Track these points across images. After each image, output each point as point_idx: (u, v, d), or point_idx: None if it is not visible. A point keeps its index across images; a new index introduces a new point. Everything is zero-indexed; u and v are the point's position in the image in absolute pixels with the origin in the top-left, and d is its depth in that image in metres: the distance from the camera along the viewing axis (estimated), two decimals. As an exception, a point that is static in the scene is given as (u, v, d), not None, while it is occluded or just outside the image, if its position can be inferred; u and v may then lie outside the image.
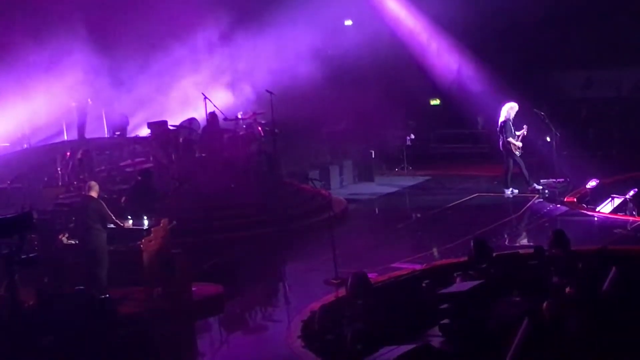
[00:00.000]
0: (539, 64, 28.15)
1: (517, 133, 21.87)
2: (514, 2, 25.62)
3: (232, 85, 24.86)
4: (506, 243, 17.82)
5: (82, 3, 23.50)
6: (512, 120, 21.91)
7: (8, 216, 12.31)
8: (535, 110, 22.65)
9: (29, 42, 22.48)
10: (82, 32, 23.41)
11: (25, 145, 23.83)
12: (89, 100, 23.15)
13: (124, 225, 15.71)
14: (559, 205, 20.70)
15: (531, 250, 14.23)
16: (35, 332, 10.49)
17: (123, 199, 17.87)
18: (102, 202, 15.71)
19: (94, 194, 15.56)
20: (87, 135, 23.71)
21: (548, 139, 23.05)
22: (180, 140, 21.64)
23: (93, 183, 15.91)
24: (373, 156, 26.52)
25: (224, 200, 20.35)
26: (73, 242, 15.81)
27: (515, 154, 21.93)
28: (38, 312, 11.57)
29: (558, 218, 19.65)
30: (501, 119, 21.97)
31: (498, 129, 22.07)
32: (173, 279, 15.54)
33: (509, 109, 22.00)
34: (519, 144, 21.85)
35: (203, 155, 21.32)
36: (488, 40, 26.71)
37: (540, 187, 21.97)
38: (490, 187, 23.35)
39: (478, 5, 25.98)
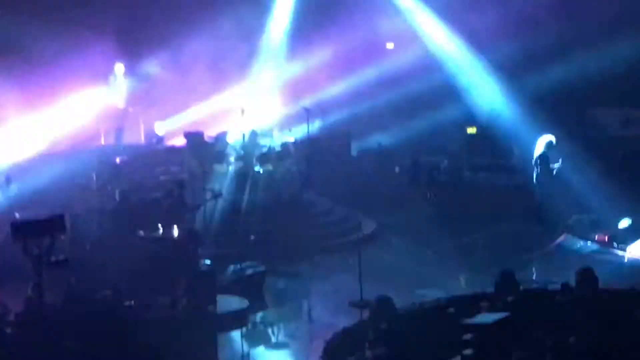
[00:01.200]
0: (577, 99, 28.02)
1: (554, 166, 21.78)
2: (555, 37, 25.57)
3: (270, 101, 24.93)
4: (534, 277, 17.72)
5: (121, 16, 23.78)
6: (548, 153, 21.83)
7: (40, 217, 12.43)
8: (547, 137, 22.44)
9: (70, 49, 22.70)
10: (123, 41, 23.66)
11: (62, 148, 24.03)
12: (129, 107, 23.30)
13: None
14: (589, 243, 20.54)
15: (558, 287, 14.14)
16: (60, 335, 10.56)
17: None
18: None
19: None
20: (124, 142, 23.85)
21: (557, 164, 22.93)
22: (214, 151, 21.78)
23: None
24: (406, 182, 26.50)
25: (255, 214, 20.39)
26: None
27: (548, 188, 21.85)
28: (64, 315, 11.64)
29: (587, 255, 19.50)
30: (538, 151, 21.88)
31: (534, 161, 21.97)
32: (199, 290, 15.60)
33: (545, 142, 21.92)
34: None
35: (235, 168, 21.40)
36: (526, 73, 26.65)
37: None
38: (522, 219, 23.21)
39: (518, 39, 25.95)
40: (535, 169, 21.93)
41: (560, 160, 21.98)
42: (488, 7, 26.18)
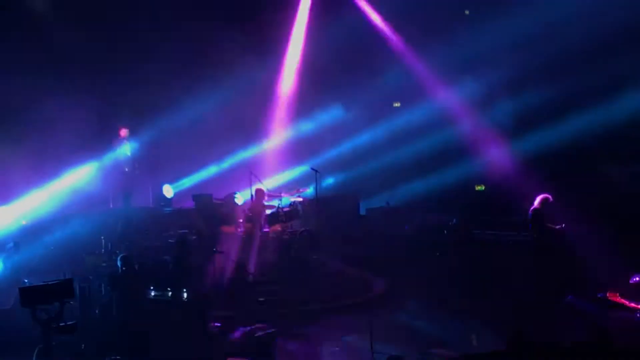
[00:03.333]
0: (587, 155, 28.09)
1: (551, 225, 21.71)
2: (565, 93, 25.69)
3: (279, 162, 25.00)
4: (545, 335, 17.57)
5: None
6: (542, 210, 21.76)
7: (49, 282, 12.39)
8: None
9: (78, 109, 22.85)
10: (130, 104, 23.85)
11: (70, 213, 24.07)
12: (136, 170, 23.36)
13: None
14: (600, 297, 20.37)
15: (569, 345, 14.03)
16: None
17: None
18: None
19: None
20: (132, 205, 23.89)
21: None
22: (222, 213, 21.80)
23: None
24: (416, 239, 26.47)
25: (263, 274, 20.36)
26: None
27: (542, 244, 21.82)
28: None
29: (599, 313, 19.33)
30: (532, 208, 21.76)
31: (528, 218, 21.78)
32: (209, 352, 15.53)
33: (541, 199, 21.81)
34: None
35: (243, 229, 21.39)
36: (535, 129, 26.75)
37: None
38: (532, 276, 23.09)
39: (528, 95, 26.10)
40: (530, 226, 21.73)
41: (562, 224, 21.86)
42: (499, 62, 26.39)
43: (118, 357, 15.09)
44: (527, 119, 26.52)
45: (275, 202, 22.11)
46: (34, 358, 13.04)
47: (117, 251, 19.96)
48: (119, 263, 15.89)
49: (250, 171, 21.16)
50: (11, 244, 18.51)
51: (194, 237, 21.29)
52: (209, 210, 22.25)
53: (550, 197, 21.80)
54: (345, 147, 25.36)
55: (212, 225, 21.67)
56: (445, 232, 26.10)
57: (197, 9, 24.75)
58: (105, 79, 23.83)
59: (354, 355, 16.66)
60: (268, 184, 22.41)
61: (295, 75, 26.27)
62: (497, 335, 17.23)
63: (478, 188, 28.39)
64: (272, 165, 24.84)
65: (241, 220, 21.47)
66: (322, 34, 26.02)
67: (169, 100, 24.67)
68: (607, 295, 20.36)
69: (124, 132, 23.25)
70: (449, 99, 27.57)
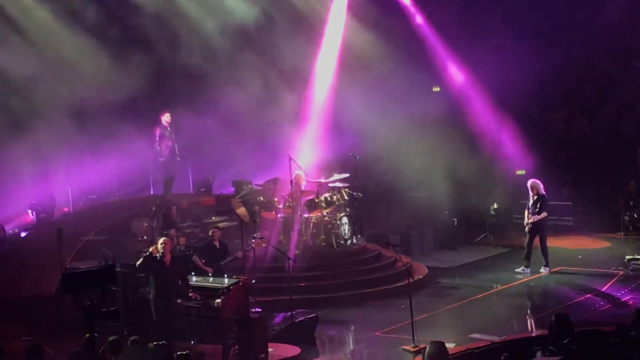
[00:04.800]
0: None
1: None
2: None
3: (317, 147, 24.96)
4: (588, 319, 17.48)
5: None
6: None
7: (91, 268, 12.48)
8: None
9: (118, 98, 23.00)
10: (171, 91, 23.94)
11: (113, 199, 24.26)
12: (177, 157, 23.45)
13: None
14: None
15: (613, 328, 13.93)
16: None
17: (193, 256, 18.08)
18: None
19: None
20: (173, 191, 24.00)
21: None
22: (262, 199, 21.84)
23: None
24: (456, 224, 26.40)
25: (300, 261, 20.39)
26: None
27: (545, 231, 21.71)
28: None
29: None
30: (541, 192, 21.61)
31: (539, 203, 21.63)
32: (250, 338, 15.60)
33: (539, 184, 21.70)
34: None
35: (282, 215, 21.42)
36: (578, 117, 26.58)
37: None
38: (574, 260, 23.01)
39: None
40: (539, 211, 21.58)
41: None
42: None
43: (163, 342, 15.19)
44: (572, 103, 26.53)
45: (315, 187, 22.09)
46: (81, 345, 13.22)
47: (159, 237, 20.08)
48: (159, 247, 15.95)
49: (289, 157, 21.16)
50: (55, 230, 18.60)
51: (235, 224, 21.36)
52: (249, 196, 22.30)
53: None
54: (386, 132, 25.23)
55: (252, 212, 21.71)
56: (486, 218, 26.05)
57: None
58: (150, 63, 23.92)
59: (394, 340, 16.67)
60: (307, 169, 22.39)
61: (334, 58, 26.19)
62: (540, 320, 17.25)
63: (519, 172, 28.21)
64: (312, 151, 24.81)
65: (281, 206, 21.51)
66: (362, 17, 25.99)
67: (211, 88, 24.71)
68: None
69: (166, 116, 23.30)
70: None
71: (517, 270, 21.66)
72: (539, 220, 21.58)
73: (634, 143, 27.86)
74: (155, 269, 15.78)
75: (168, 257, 15.85)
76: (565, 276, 21.53)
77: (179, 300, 16.02)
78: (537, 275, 21.50)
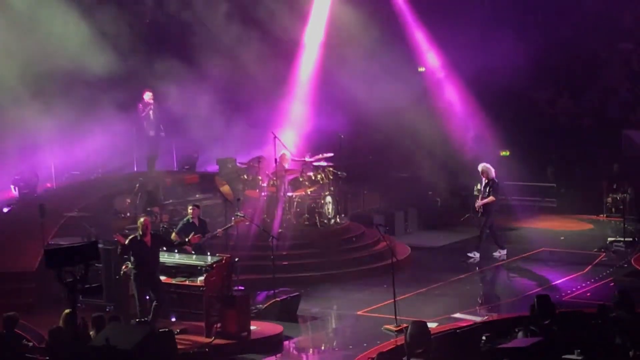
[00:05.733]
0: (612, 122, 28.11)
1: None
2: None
3: (302, 126, 24.92)
4: (569, 300, 17.57)
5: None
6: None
7: (74, 244, 12.45)
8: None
9: (102, 75, 22.87)
10: (157, 67, 23.83)
11: (96, 175, 24.17)
12: (161, 132, 23.40)
13: None
14: (625, 265, 20.37)
15: (595, 309, 14.00)
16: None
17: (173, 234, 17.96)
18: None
19: None
20: (157, 168, 23.93)
21: None
22: (246, 177, 21.80)
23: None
24: (439, 204, 26.44)
25: (284, 240, 20.39)
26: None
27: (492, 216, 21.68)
28: (96, 341, 11.63)
29: (624, 278, 19.33)
30: (491, 176, 21.59)
31: (489, 188, 21.53)
32: (233, 315, 15.61)
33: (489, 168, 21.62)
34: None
35: (266, 194, 21.39)
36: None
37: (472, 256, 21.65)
38: (557, 241, 23.09)
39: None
40: (490, 196, 21.54)
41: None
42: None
43: (146, 319, 15.19)
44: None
45: (299, 166, 22.06)
46: (60, 321, 13.20)
47: (142, 215, 20.04)
48: (139, 227, 15.90)
49: (274, 135, 21.12)
50: (37, 207, 18.53)
51: (219, 201, 21.33)
52: (233, 175, 22.25)
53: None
54: (373, 112, 25.21)
55: (236, 190, 21.67)
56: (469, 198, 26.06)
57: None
58: (135, 37, 23.79)
59: (377, 320, 16.70)
60: (292, 148, 22.36)
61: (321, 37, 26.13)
62: (522, 300, 17.31)
63: (503, 153, 28.25)
64: (296, 130, 24.77)
65: (265, 185, 21.47)
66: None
67: (196, 65, 24.61)
68: (632, 260, 20.36)
69: (148, 95, 23.23)
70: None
71: (468, 254, 21.60)
72: (487, 205, 21.44)
73: (619, 125, 27.95)
74: (136, 249, 15.71)
75: (148, 237, 15.79)
76: (548, 257, 21.61)
77: (162, 278, 16.00)
78: (517, 257, 21.55)
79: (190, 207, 18.34)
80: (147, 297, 15.74)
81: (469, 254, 21.43)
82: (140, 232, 15.75)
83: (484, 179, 21.53)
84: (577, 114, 29.32)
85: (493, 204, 21.43)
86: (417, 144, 25.70)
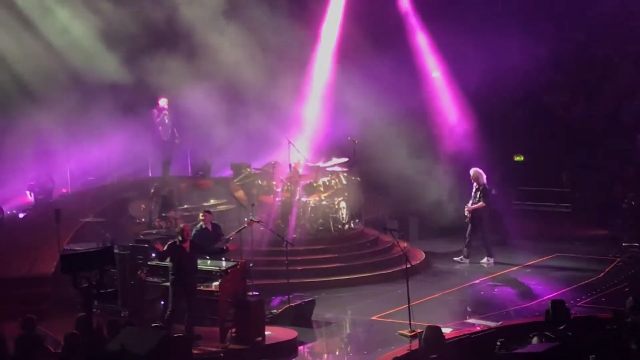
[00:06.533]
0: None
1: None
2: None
3: (316, 131, 24.94)
4: (584, 305, 17.53)
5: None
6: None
7: (89, 250, 12.51)
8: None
9: (118, 81, 22.95)
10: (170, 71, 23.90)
11: (111, 180, 24.24)
12: (176, 140, 23.50)
13: None
14: (641, 271, 20.32)
15: (610, 314, 13.98)
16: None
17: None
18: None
19: None
20: (171, 173, 24.00)
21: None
22: (260, 182, 21.83)
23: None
24: (455, 209, 26.38)
25: (299, 246, 20.43)
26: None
27: (484, 222, 21.58)
28: (112, 347, 11.70)
29: (640, 283, 19.29)
30: (482, 181, 21.46)
31: (479, 193, 21.44)
32: (247, 321, 15.63)
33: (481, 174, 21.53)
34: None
35: (281, 199, 21.41)
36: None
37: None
38: (572, 247, 23.04)
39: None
40: (480, 201, 21.43)
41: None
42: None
43: (160, 323, 15.21)
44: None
45: (313, 171, 22.07)
46: (75, 325, 13.26)
47: (157, 220, 20.10)
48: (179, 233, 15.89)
49: (288, 141, 21.15)
50: (52, 212, 18.60)
51: (233, 207, 21.37)
52: (248, 179, 22.29)
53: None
54: (384, 117, 25.22)
55: (251, 195, 21.70)
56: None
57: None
58: (146, 48, 23.84)
59: (391, 325, 16.70)
60: (306, 154, 22.39)
61: (332, 45, 26.16)
62: (536, 306, 17.30)
63: (517, 158, 28.22)
64: (311, 136, 24.79)
65: (279, 190, 21.51)
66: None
67: (207, 68, 24.63)
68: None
69: (162, 101, 23.33)
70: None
71: (455, 258, 21.54)
72: (477, 211, 21.34)
73: (633, 129, 27.87)
74: (175, 255, 15.71)
75: (187, 243, 15.81)
76: (563, 263, 21.57)
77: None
78: (531, 262, 21.51)
79: (201, 214, 18.36)
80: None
81: (482, 261, 21.41)
82: (180, 238, 15.76)
83: (474, 184, 21.45)
84: (590, 118, 29.24)
85: (483, 210, 21.36)
86: (432, 149, 25.67)
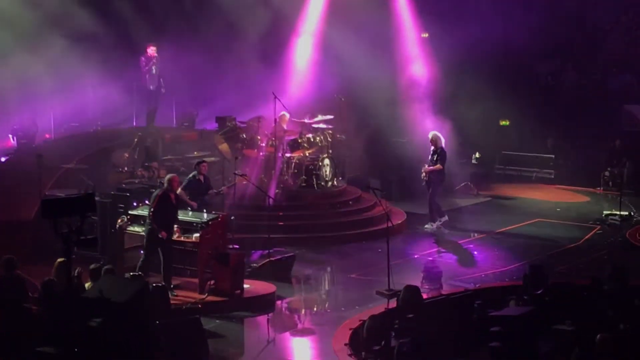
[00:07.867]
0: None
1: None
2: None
3: (303, 87, 24.83)
4: (563, 271, 17.60)
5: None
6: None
7: (71, 195, 12.46)
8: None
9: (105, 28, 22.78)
10: (159, 25, 23.75)
11: (95, 128, 24.14)
12: (162, 89, 23.36)
13: None
14: (620, 239, 20.39)
15: (588, 281, 14.05)
16: (86, 313, 10.57)
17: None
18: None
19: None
20: (156, 124, 23.90)
21: None
22: (245, 136, 21.76)
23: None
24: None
25: (282, 200, 20.43)
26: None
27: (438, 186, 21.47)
28: (90, 293, 11.70)
29: (619, 252, 19.36)
30: (440, 145, 21.26)
31: (436, 156, 21.17)
32: (226, 273, 15.65)
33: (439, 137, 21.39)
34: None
35: (265, 154, 21.36)
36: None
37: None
38: (553, 213, 23.10)
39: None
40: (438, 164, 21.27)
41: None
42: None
43: (140, 272, 15.18)
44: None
45: (299, 127, 22.00)
46: (53, 271, 13.24)
47: (140, 169, 20.05)
48: (165, 183, 15.84)
49: (274, 95, 21.05)
50: (35, 157, 18.53)
51: (217, 159, 21.32)
52: (232, 133, 22.21)
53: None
54: (373, 77, 25.10)
55: (235, 148, 21.63)
56: (468, 166, 26.03)
57: None
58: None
59: (370, 283, 16.75)
60: (292, 109, 22.29)
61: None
62: (515, 270, 17.39)
63: (503, 123, 28.19)
64: (296, 91, 24.68)
65: (263, 145, 21.45)
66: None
67: (199, 23, 24.50)
68: (627, 233, 20.39)
69: (151, 49, 23.15)
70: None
71: (426, 226, 21.45)
72: (433, 174, 21.12)
73: (620, 98, 27.90)
74: (162, 205, 15.65)
75: (174, 194, 15.78)
76: (543, 228, 21.62)
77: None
78: (512, 227, 21.56)
79: (200, 163, 18.21)
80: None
81: (425, 227, 21.29)
82: (169, 188, 15.70)
83: (432, 147, 21.25)
84: (579, 86, 29.24)
85: (440, 173, 21.23)
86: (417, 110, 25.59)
